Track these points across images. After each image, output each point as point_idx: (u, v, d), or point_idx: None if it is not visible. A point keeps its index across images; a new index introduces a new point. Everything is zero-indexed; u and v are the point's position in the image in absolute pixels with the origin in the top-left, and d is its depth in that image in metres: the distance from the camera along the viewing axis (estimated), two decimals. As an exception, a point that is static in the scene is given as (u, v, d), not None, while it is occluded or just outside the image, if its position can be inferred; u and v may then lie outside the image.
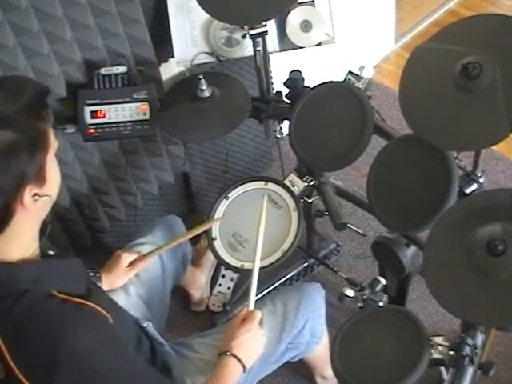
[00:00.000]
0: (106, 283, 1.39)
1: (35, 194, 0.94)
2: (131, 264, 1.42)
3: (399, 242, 1.39)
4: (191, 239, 1.62)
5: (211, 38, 1.62)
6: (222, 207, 1.52)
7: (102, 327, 1.00)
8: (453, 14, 2.91)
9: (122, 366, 1.02)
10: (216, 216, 1.50)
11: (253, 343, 1.25)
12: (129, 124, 1.55)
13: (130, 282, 1.44)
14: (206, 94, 1.53)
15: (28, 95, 0.92)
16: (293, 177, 1.54)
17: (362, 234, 2.08)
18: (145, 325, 1.30)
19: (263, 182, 1.53)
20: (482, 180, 1.42)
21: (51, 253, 1.07)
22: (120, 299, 1.39)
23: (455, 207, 1.18)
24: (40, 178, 0.94)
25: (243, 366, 1.22)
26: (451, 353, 1.16)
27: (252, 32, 1.50)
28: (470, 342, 1.16)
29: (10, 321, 0.93)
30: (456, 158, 1.31)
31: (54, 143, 0.97)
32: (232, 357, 1.22)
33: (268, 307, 1.40)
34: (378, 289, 1.45)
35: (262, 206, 1.44)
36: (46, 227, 1.04)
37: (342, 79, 1.53)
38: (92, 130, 1.54)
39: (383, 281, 1.46)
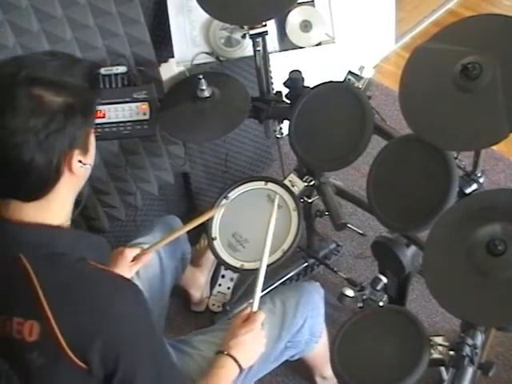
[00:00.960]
0: None
1: (80, 161, 0.98)
2: (135, 259, 1.42)
3: (399, 242, 1.39)
4: (191, 239, 1.62)
5: (211, 37, 1.62)
6: (222, 207, 1.52)
7: (143, 298, 1.04)
8: (453, 14, 2.91)
9: (154, 339, 1.06)
10: (216, 215, 1.50)
11: (252, 344, 1.26)
12: (129, 124, 1.55)
13: (132, 279, 1.43)
14: (206, 93, 1.53)
15: (83, 65, 0.99)
16: (293, 177, 1.54)
17: (361, 234, 2.08)
18: (150, 308, 1.30)
19: (263, 182, 1.53)
20: (481, 180, 1.42)
21: None
22: None
23: (455, 207, 1.18)
24: (85, 146, 1.00)
25: (239, 367, 1.23)
26: (451, 353, 1.16)
27: (252, 32, 1.50)
28: (469, 342, 1.16)
29: (54, 282, 0.96)
30: (456, 158, 1.31)
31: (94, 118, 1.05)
32: (229, 357, 1.22)
33: (267, 306, 1.40)
34: (379, 287, 1.45)
35: (272, 211, 1.44)
36: (81, 199, 1.08)
37: (341, 79, 1.53)
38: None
39: (384, 279, 1.46)
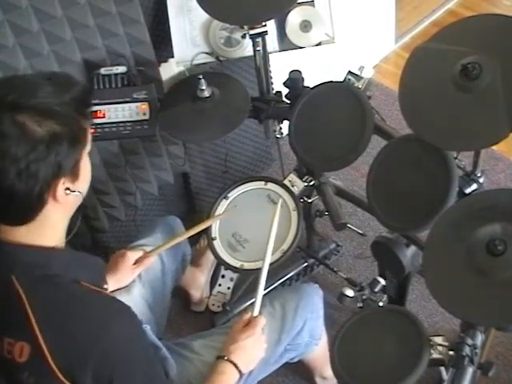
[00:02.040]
0: (113, 283, 1.38)
1: (67, 188, 0.96)
2: (137, 262, 1.42)
3: (399, 242, 1.39)
4: (191, 239, 1.62)
5: (211, 37, 1.62)
6: (222, 207, 1.52)
7: (137, 321, 1.04)
8: (453, 14, 2.91)
9: (148, 362, 1.05)
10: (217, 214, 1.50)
11: (253, 349, 1.25)
12: (128, 124, 1.55)
13: (132, 282, 1.43)
14: (206, 94, 1.53)
15: (75, 91, 0.96)
16: (292, 177, 1.54)
17: (361, 234, 2.08)
18: (144, 328, 1.30)
19: (263, 182, 1.53)
20: (481, 180, 1.42)
21: None
22: (123, 300, 1.38)
23: (455, 207, 1.18)
24: (74, 173, 0.97)
25: (239, 372, 1.23)
26: (451, 353, 1.16)
27: (252, 32, 1.50)
28: (469, 342, 1.16)
29: (45, 304, 0.95)
30: (456, 158, 1.31)
31: (89, 142, 1.01)
32: (229, 362, 1.22)
33: (267, 309, 1.40)
34: (377, 289, 1.45)
35: (274, 216, 1.43)
36: (73, 226, 1.07)
37: (341, 79, 1.53)
38: (92, 130, 1.52)
39: (382, 281, 1.47)
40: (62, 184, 0.95)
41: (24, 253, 0.98)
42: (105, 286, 1.17)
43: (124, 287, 1.41)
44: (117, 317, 0.99)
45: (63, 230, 1.03)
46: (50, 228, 1.00)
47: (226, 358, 1.23)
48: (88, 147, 1.00)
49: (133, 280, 1.43)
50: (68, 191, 0.96)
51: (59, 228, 1.02)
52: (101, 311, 0.98)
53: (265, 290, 1.30)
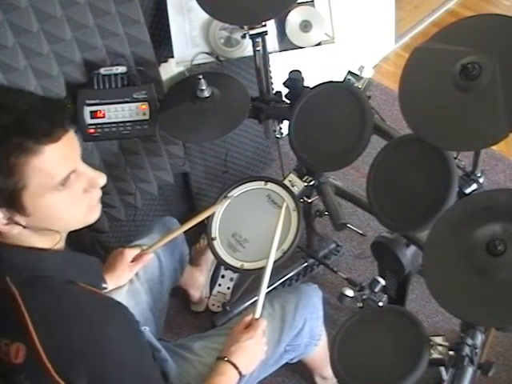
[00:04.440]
0: (112, 281, 1.38)
1: (10, 219, 0.93)
2: (134, 259, 1.42)
3: (399, 241, 1.39)
4: (190, 239, 1.62)
5: (211, 38, 1.62)
6: (222, 207, 1.52)
7: (133, 321, 1.03)
8: (452, 14, 2.91)
9: (144, 362, 1.05)
10: (216, 215, 1.50)
11: (253, 351, 1.25)
12: (128, 124, 1.55)
13: (131, 281, 1.43)
14: (206, 94, 1.53)
15: (7, 117, 0.87)
16: (292, 177, 1.54)
17: (361, 234, 2.09)
18: (141, 329, 1.30)
19: (263, 182, 1.53)
20: (481, 180, 1.42)
21: None
22: (122, 299, 1.38)
23: (455, 207, 1.18)
24: (14, 206, 0.91)
25: (239, 373, 1.23)
26: (451, 353, 1.16)
27: (252, 32, 1.50)
28: (469, 342, 1.16)
29: (40, 305, 0.95)
30: (456, 158, 1.31)
31: (52, 180, 0.92)
32: (229, 363, 1.22)
33: (266, 310, 1.39)
34: (377, 289, 1.45)
35: (279, 220, 1.43)
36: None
37: (341, 79, 1.53)
38: (92, 130, 1.54)
39: (382, 281, 1.47)
40: (0, 213, 0.91)
41: (16, 254, 0.97)
42: (104, 285, 1.17)
43: (123, 285, 1.41)
44: (112, 318, 0.98)
45: (57, 237, 1.01)
46: (40, 234, 0.98)
47: (226, 358, 1.23)
48: (38, 185, 0.91)
49: (131, 279, 1.43)
50: (10, 221, 0.92)
51: (51, 235, 1.00)
52: (95, 312, 0.98)
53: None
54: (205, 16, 1.56)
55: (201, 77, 1.51)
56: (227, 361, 1.23)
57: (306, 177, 1.54)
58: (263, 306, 1.37)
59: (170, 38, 1.62)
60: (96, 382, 0.95)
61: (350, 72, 1.53)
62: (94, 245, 1.87)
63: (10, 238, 0.97)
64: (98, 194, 1.03)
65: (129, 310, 1.03)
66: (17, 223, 0.93)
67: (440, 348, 1.15)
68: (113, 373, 0.97)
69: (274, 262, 1.38)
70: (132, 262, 1.41)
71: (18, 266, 0.97)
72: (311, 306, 1.45)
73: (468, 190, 1.39)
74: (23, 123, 0.88)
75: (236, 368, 1.22)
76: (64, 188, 0.94)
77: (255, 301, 1.32)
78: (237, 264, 1.43)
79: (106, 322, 0.97)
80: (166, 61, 1.73)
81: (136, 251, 1.43)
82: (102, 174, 1.01)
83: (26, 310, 0.94)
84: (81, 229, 1.05)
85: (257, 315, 1.29)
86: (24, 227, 0.94)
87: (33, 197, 0.91)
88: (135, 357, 1.02)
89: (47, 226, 0.97)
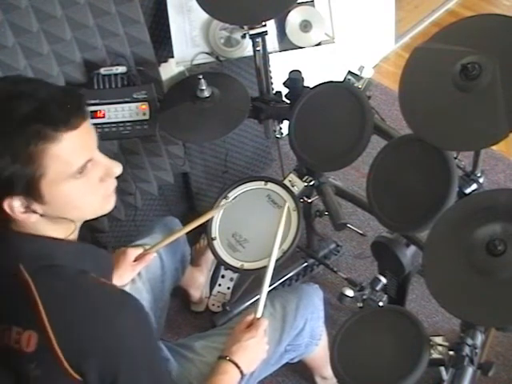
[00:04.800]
0: (114, 280, 1.35)
1: (27, 207, 0.94)
2: (137, 259, 1.42)
3: (399, 241, 1.39)
4: (190, 239, 1.62)
5: (211, 37, 1.62)
6: (222, 207, 1.52)
7: (144, 312, 1.03)
8: (452, 14, 2.91)
9: (155, 354, 1.06)
10: (216, 215, 1.50)
11: (255, 350, 1.25)
12: (128, 124, 1.55)
13: (133, 280, 1.43)
14: (206, 94, 1.53)
15: (24, 105, 0.89)
16: (292, 177, 1.54)
17: (361, 234, 2.09)
18: (151, 321, 1.30)
19: (263, 182, 1.53)
20: (481, 180, 1.42)
21: None
22: None
23: (455, 207, 1.18)
24: (31, 194, 0.92)
25: (241, 373, 1.23)
26: (451, 353, 1.16)
27: (252, 32, 1.50)
28: (469, 342, 1.16)
29: (53, 293, 0.95)
30: (456, 158, 1.31)
31: (69, 168, 0.93)
32: (230, 362, 1.22)
33: (267, 310, 1.39)
34: (378, 287, 1.45)
35: (281, 220, 1.43)
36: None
37: (341, 79, 1.53)
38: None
39: (384, 279, 1.46)
40: (18, 201, 0.92)
41: (31, 243, 0.98)
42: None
43: (125, 284, 1.41)
44: (124, 309, 0.99)
45: (72, 226, 1.02)
46: (55, 224, 0.99)
47: (228, 358, 1.23)
48: (56, 173, 0.92)
49: (133, 278, 1.43)
50: (27, 210, 0.94)
51: (66, 224, 1.01)
52: (108, 303, 0.98)
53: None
54: (205, 16, 1.56)
55: (201, 77, 1.51)
56: (229, 360, 1.22)
57: (306, 177, 1.54)
58: (264, 306, 1.37)
59: (169, 38, 1.62)
60: (107, 372, 0.95)
61: (349, 72, 1.53)
62: (94, 245, 1.87)
63: (24, 227, 0.97)
64: (114, 183, 1.04)
65: (139, 301, 1.03)
66: (34, 211, 0.94)
67: (440, 348, 1.15)
68: (125, 362, 0.97)
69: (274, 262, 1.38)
70: (134, 261, 1.41)
71: (32, 254, 0.98)
72: (312, 306, 1.45)
73: (468, 190, 1.39)
74: (43, 111, 0.89)
75: (238, 367, 1.22)
76: (81, 176, 0.95)
77: (256, 300, 1.32)
78: (237, 264, 1.43)
79: (118, 313, 0.97)
80: (166, 61, 1.73)
81: (139, 251, 1.43)
82: (118, 164, 1.02)
83: (39, 298, 0.94)
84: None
85: (258, 315, 1.29)
86: (41, 215, 0.95)
87: (50, 185, 0.92)
88: (146, 347, 1.03)
89: (63, 214, 0.98)
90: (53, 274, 0.97)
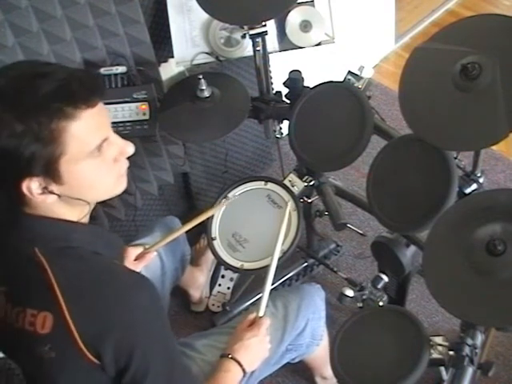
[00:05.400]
0: None
1: (45, 188, 0.95)
2: (137, 258, 1.42)
3: (399, 241, 1.39)
4: (190, 239, 1.62)
5: (211, 37, 1.62)
6: (222, 207, 1.52)
7: (158, 295, 1.04)
8: (452, 14, 2.91)
9: (169, 336, 1.06)
10: (216, 215, 1.50)
11: (257, 349, 1.26)
12: (128, 124, 1.55)
13: None
14: (206, 94, 1.53)
15: (47, 85, 0.90)
16: (292, 177, 1.54)
17: (361, 234, 2.09)
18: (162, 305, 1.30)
19: (263, 182, 1.53)
20: (481, 180, 1.42)
21: None
22: None
23: (455, 207, 1.18)
24: (50, 174, 0.94)
25: (243, 371, 1.23)
26: (451, 353, 1.16)
27: (252, 32, 1.50)
28: (469, 342, 1.16)
29: (69, 273, 0.96)
30: (456, 158, 1.31)
31: (88, 146, 0.95)
32: (233, 361, 1.22)
33: (269, 309, 1.39)
34: (380, 286, 1.45)
35: (283, 220, 1.42)
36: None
37: (341, 79, 1.53)
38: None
39: (385, 278, 1.46)
40: (36, 182, 0.93)
41: (45, 225, 0.99)
42: None
43: None
44: (140, 288, 0.99)
45: (86, 208, 1.04)
46: (70, 206, 1.00)
47: (230, 356, 1.23)
48: (75, 151, 0.93)
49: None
50: (45, 191, 0.94)
51: (80, 206, 1.02)
52: (123, 282, 0.99)
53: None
54: (205, 16, 1.56)
55: (201, 77, 1.51)
56: (231, 358, 1.23)
57: (306, 177, 1.54)
58: (266, 305, 1.37)
59: (170, 37, 1.62)
60: (124, 349, 0.95)
61: (349, 72, 1.53)
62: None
63: (37, 209, 0.98)
64: (126, 163, 1.06)
65: (151, 281, 1.03)
66: (51, 192, 0.95)
67: (440, 348, 1.15)
68: (141, 341, 0.97)
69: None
70: (135, 260, 1.41)
71: (47, 236, 0.99)
72: (313, 307, 1.45)
73: (468, 190, 1.39)
74: (63, 90, 0.91)
75: (240, 365, 1.22)
76: (98, 155, 0.97)
77: (256, 300, 1.32)
78: (237, 264, 1.43)
79: (135, 292, 0.97)
80: (166, 61, 1.73)
81: (139, 250, 1.43)
82: (131, 143, 1.04)
83: (55, 279, 0.94)
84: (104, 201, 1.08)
85: (260, 313, 1.29)
86: (59, 196, 0.96)
87: (69, 164, 0.94)
88: (160, 323, 1.03)
89: (79, 195, 0.99)
90: (68, 256, 0.98)
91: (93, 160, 0.97)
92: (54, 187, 0.95)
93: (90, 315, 0.95)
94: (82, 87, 0.93)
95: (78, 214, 1.03)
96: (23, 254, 0.98)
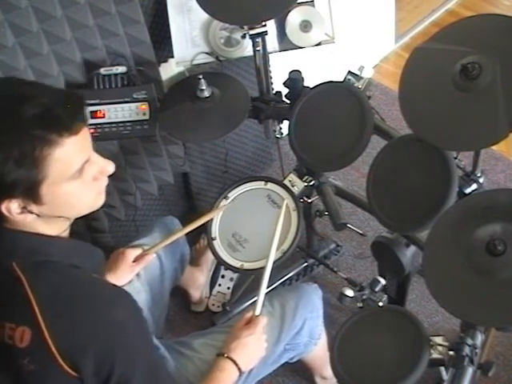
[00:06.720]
0: (112, 281, 1.35)
1: (24, 207, 0.94)
2: (136, 259, 1.42)
3: (399, 241, 1.39)
4: (190, 239, 1.62)
5: (211, 37, 1.62)
6: (222, 209, 1.52)
7: (138, 307, 1.04)
8: (452, 14, 2.91)
9: (151, 347, 1.06)
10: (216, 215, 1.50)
11: (253, 348, 1.26)
12: (128, 124, 1.55)
13: (131, 281, 1.43)
14: (206, 94, 1.53)
15: (33, 107, 0.90)
16: (292, 177, 1.54)
17: (361, 234, 2.09)
18: (144, 316, 1.30)
19: (263, 182, 1.53)
20: (481, 180, 1.42)
21: None
22: None
23: (455, 207, 1.18)
24: (31, 196, 0.93)
25: (239, 370, 1.23)
26: (451, 353, 1.16)
27: (252, 32, 1.50)
28: (469, 342, 1.16)
29: (47, 287, 0.96)
30: (456, 158, 1.31)
31: (70, 170, 0.95)
32: (229, 360, 1.22)
33: (266, 308, 1.39)
34: (377, 289, 1.45)
35: (279, 218, 1.43)
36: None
37: (341, 79, 1.53)
38: (92, 130, 1.54)
39: (383, 281, 1.47)
40: (15, 203, 0.93)
41: (24, 239, 0.99)
42: None
43: (123, 285, 1.41)
44: (119, 302, 0.99)
45: (66, 224, 1.04)
46: (49, 222, 1.00)
47: (226, 355, 1.23)
48: (57, 175, 0.93)
49: (132, 279, 1.42)
50: (24, 210, 0.94)
51: (60, 222, 1.02)
52: (101, 296, 0.99)
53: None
54: (205, 16, 1.56)
55: (201, 77, 1.51)
56: (227, 357, 1.23)
57: (306, 177, 1.54)
58: (263, 305, 1.37)
59: (170, 37, 1.62)
60: (104, 365, 0.95)
61: (349, 72, 1.53)
62: (93, 245, 1.87)
63: (18, 225, 0.98)
64: (106, 181, 1.06)
65: (131, 295, 1.04)
66: (30, 212, 0.96)
67: (440, 348, 1.15)
68: (121, 352, 0.97)
69: (274, 262, 1.38)
70: (134, 262, 1.41)
71: (25, 251, 0.99)
72: (311, 306, 1.45)
73: (468, 190, 1.39)
74: (47, 116, 0.90)
75: (236, 364, 1.22)
76: (79, 176, 0.97)
77: (255, 299, 1.32)
78: (237, 264, 1.43)
79: (112, 305, 0.98)
80: (166, 61, 1.73)
81: (138, 251, 1.43)
82: (111, 162, 1.04)
83: (32, 293, 0.94)
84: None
85: (257, 312, 1.29)
86: (37, 216, 0.96)
87: (50, 187, 0.94)
88: (142, 340, 1.03)
89: (59, 213, 0.99)
90: (46, 269, 0.98)
91: (74, 181, 0.97)
92: (33, 207, 0.95)
93: (67, 329, 0.95)
94: (66, 114, 0.92)
95: (57, 229, 1.03)
96: (1, 267, 0.98)
